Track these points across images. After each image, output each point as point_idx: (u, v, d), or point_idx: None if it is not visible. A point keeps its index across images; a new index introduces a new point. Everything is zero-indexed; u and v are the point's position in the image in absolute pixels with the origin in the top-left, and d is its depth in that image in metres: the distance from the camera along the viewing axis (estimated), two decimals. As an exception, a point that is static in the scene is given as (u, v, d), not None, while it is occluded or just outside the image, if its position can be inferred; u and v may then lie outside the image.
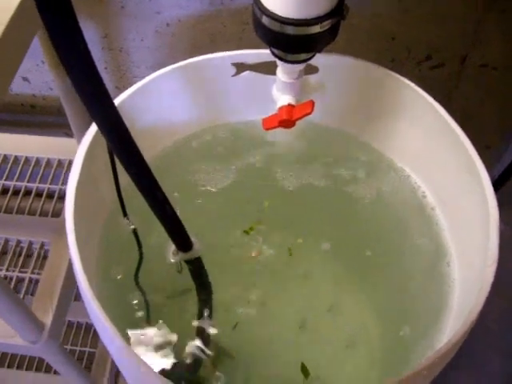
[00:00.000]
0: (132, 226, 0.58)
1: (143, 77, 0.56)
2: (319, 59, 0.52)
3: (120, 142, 0.40)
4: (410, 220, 0.60)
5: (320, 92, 0.57)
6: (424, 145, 0.58)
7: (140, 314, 0.54)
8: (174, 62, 0.57)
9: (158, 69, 0.57)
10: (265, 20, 0.43)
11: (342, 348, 0.55)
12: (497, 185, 0.90)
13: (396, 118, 0.60)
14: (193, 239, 0.53)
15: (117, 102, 0.54)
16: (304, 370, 0.52)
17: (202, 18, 0.71)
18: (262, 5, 0.43)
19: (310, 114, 0.52)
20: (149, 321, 0.54)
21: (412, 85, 0.55)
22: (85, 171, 0.49)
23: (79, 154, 0.49)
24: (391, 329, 0.55)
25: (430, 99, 0.54)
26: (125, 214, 0.57)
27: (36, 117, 0.93)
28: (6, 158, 0.82)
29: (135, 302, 0.55)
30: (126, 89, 0.55)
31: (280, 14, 0.42)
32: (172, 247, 0.55)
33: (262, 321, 0.56)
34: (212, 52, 0.58)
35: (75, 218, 0.46)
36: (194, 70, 0.58)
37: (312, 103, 0.52)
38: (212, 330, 0.54)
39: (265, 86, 0.55)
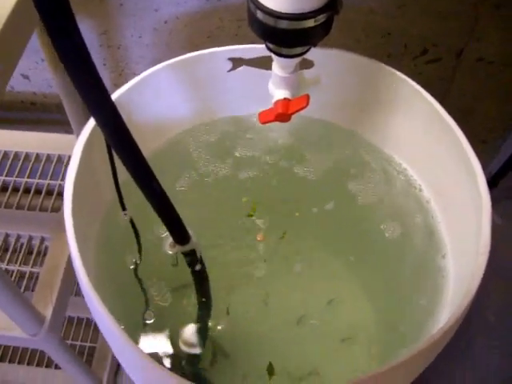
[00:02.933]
0: (129, 217, 0.58)
1: (139, 74, 0.56)
2: (315, 53, 0.53)
3: (117, 135, 0.40)
4: (407, 213, 0.61)
5: (316, 86, 0.58)
6: (420, 139, 0.59)
7: (139, 306, 0.55)
8: (167, 59, 0.58)
9: (156, 64, 0.57)
10: (259, 15, 0.43)
11: (339, 342, 0.55)
12: (494, 179, 0.90)
13: (392, 112, 0.60)
14: (190, 232, 0.54)
15: (114, 97, 0.55)
16: (270, 369, 0.53)
17: (199, 14, 0.72)
18: (256, 0, 0.43)
19: (305, 107, 0.52)
20: (148, 314, 0.55)
21: (407, 79, 0.56)
22: (83, 166, 0.49)
23: (77, 149, 0.49)
24: (389, 322, 0.56)
25: (426, 93, 0.55)
26: (123, 208, 0.57)
27: (36, 114, 0.94)
28: (6, 154, 0.82)
29: (135, 294, 0.56)
30: (123, 84, 0.56)
31: (274, 9, 0.42)
32: (170, 240, 0.55)
33: (261, 314, 0.57)
34: (210, 48, 0.59)
35: (74, 212, 0.46)
36: (190, 66, 0.59)
37: (307, 97, 0.52)
38: (210, 325, 0.55)
39: (261, 81, 0.55)
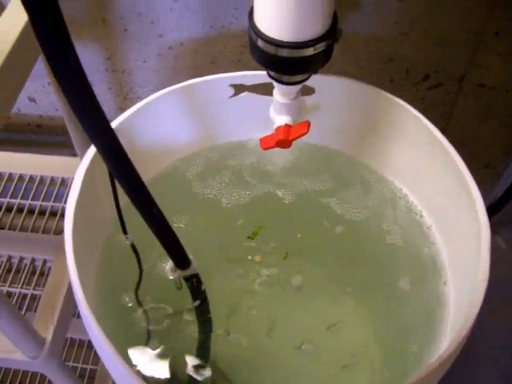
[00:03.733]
0: (131, 241, 0.58)
1: (144, 98, 0.57)
2: (315, 80, 0.54)
3: (116, 162, 0.41)
4: (408, 239, 0.61)
5: (316, 112, 0.58)
6: (420, 164, 0.59)
7: (140, 330, 0.55)
8: (176, 84, 0.59)
9: (159, 90, 0.58)
10: (260, 43, 0.44)
11: (340, 368, 0.55)
12: (498, 204, 0.90)
13: (392, 138, 0.61)
14: (191, 257, 0.54)
15: (116, 122, 0.55)
16: None
17: (203, 40, 0.73)
18: (257, 28, 0.44)
19: (306, 133, 0.53)
20: (149, 337, 0.54)
21: (407, 105, 0.56)
22: (85, 190, 0.50)
23: (79, 174, 0.50)
24: (390, 349, 0.55)
25: (425, 120, 0.55)
26: (124, 232, 0.58)
27: (42, 136, 0.95)
28: (11, 176, 0.83)
29: (135, 318, 0.56)
30: (128, 107, 0.57)
31: (274, 37, 0.43)
32: (170, 264, 0.56)
33: (261, 338, 0.56)
34: (213, 73, 0.59)
35: (74, 236, 0.46)
36: (192, 92, 0.60)
37: (308, 123, 0.53)
38: (210, 348, 0.55)
39: (262, 107, 0.56)
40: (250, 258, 0.61)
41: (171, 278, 0.57)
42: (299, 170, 0.67)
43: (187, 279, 0.56)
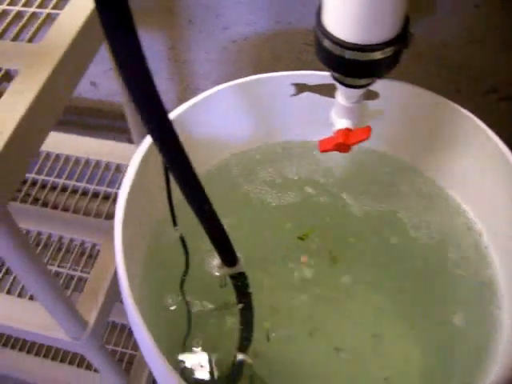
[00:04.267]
0: (180, 234, 0.58)
1: (206, 90, 0.57)
2: (380, 85, 0.52)
3: (171, 154, 0.40)
4: (463, 257, 0.58)
5: (379, 118, 0.56)
6: (483, 180, 0.56)
7: (181, 322, 0.55)
8: (237, 78, 0.58)
9: (222, 83, 0.58)
10: (326, 43, 0.43)
11: (383, 380, 0.53)
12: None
13: (455, 150, 0.58)
14: (238, 255, 0.53)
15: (175, 113, 0.55)
16: None
17: (268, 36, 0.72)
18: (324, 28, 0.43)
19: (366, 139, 0.51)
20: (189, 330, 0.54)
21: (472, 116, 0.54)
22: (138, 179, 0.50)
23: (134, 163, 0.50)
24: (435, 363, 0.53)
25: (492, 134, 0.53)
26: (175, 224, 0.58)
27: (101, 121, 0.96)
28: (67, 158, 0.85)
29: (176, 309, 0.55)
30: (187, 99, 0.56)
31: (342, 38, 0.42)
32: (217, 261, 0.55)
33: (302, 343, 0.55)
34: (276, 70, 0.58)
35: (124, 223, 0.47)
36: (253, 88, 0.59)
37: (369, 129, 0.51)
38: (251, 347, 0.54)
39: (324, 108, 0.55)
40: (296, 258, 0.60)
41: (217, 274, 0.56)
42: (355, 175, 0.65)
43: (233, 277, 0.56)
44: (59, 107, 0.51)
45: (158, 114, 0.36)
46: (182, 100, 0.86)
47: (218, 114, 0.59)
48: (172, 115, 0.55)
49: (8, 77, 0.48)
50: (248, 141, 0.65)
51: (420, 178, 0.63)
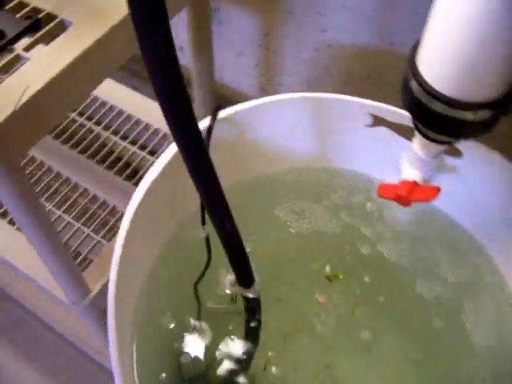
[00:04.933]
0: (206, 233, 0.55)
1: (288, 87, 0.51)
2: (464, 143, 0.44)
3: (195, 162, 0.36)
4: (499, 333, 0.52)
5: (452, 175, 0.49)
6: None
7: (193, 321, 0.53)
8: (322, 85, 0.52)
9: (304, 85, 0.52)
10: (413, 84, 0.36)
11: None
12: None
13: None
14: (256, 277, 0.49)
15: (235, 109, 0.51)
16: None
17: (366, 50, 0.65)
18: (415, 65, 0.36)
19: (431, 201, 0.45)
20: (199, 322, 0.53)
21: None
22: (165, 173, 0.47)
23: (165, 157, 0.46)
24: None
25: None
26: (203, 222, 0.54)
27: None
28: (112, 107, 0.82)
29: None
30: (270, 92, 0.51)
31: (431, 84, 0.35)
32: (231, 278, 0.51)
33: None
34: (364, 89, 0.52)
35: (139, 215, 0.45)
36: (327, 106, 0.53)
37: (437, 190, 0.44)
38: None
39: (396, 149, 0.48)
40: (315, 296, 0.55)
41: (228, 292, 0.53)
42: (405, 228, 0.59)
43: (246, 299, 0.52)
44: (108, 66, 0.48)
45: (184, 114, 0.31)
46: (264, 90, 0.81)
47: (278, 123, 0.54)
48: (233, 109, 0.51)
49: (62, 26, 0.45)
50: (301, 159, 0.59)
51: (486, 261, 0.55)
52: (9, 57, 0.42)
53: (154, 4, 0.26)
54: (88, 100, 0.82)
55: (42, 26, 0.44)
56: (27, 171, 0.78)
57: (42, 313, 0.82)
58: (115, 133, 0.81)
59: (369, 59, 0.66)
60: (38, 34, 0.44)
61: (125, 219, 0.45)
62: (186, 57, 0.86)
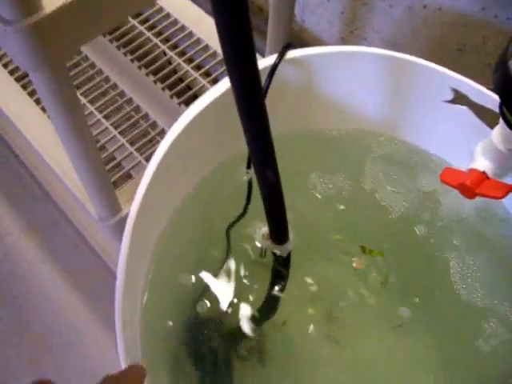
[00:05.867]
0: (249, 177, 0.54)
1: (370, 42, 0.47)
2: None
3: (250, 107, 0.34)
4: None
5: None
6: None
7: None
8: (405, 47, 0.47)
9: (388, 44, 0.47)
10: (511, 64, 0.31)
11: None
12: None
13: None
14: (291, 236, 0.48)
15: (306, 52, 0.48)
16: None
17: (465, 20, 0.59)
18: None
19: (498, 198, 0.41)
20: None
21: None
22: (213, 108, 0.44)
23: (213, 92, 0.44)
24: None
25: None
26: (248, 166, 0.53)
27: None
28: (191, 33, 0.78)
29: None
30: (349, 43, 0.47)
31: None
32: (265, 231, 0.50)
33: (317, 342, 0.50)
34: (452, 61, 0.47)
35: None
36: (402, 69, 0.49)
37: (508, 189, 0.40)
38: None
39: (475, 135, 0.44)
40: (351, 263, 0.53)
41: (259, 245, 0.51)
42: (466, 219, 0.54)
43: (276, 256, 0.51)
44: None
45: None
46: (344, 40, 0.76)
47: (356, 78, 0.50)
48: (317, 50, 0.48)
49: None
50: (361, 121, 0.55)
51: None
52: None
53: None
54: (152, 10, 0.79)
55: None
56: (79, 69, 0.76)
57: (78, 222, 0.82)
58: (173, 47, 0.77)
59: (465, 30, 0.59)
60: None
61: (163, 143, 0.43)
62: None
